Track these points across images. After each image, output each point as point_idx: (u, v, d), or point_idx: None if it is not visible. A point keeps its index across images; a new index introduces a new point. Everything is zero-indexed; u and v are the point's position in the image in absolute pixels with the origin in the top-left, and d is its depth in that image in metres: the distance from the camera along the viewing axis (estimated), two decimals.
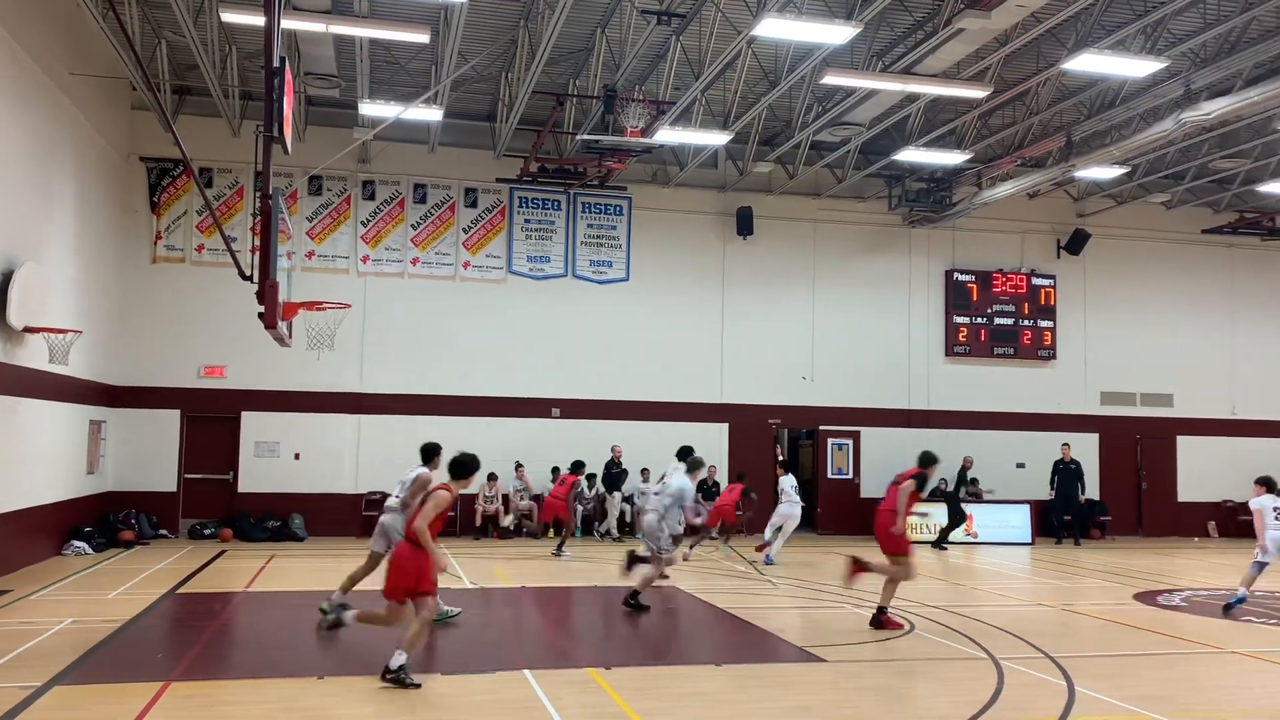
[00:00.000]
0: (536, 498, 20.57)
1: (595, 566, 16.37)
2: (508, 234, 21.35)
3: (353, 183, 20.68)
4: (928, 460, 11.28)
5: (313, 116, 19.97)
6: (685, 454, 12.66)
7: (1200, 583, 14.61)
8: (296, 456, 20.05)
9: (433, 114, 17.89)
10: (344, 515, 20.04)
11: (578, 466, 17.89)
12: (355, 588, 10.81)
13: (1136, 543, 21.89)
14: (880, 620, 10.91)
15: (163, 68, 17.36)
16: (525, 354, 21.23)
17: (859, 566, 11.20)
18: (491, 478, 20.22)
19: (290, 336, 12.33)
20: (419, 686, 7.98)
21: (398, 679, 8.01)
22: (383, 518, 11.07)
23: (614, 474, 20.64)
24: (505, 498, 20.45)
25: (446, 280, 21.03)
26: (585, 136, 18.13)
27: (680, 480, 12.15)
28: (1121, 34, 14.62)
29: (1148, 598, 13.66)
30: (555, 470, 20.68)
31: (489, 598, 13.23)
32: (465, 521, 20.27)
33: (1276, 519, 12.71)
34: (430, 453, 10.89)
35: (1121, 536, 23.02)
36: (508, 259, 21.32)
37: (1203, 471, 24.02)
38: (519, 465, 20.61)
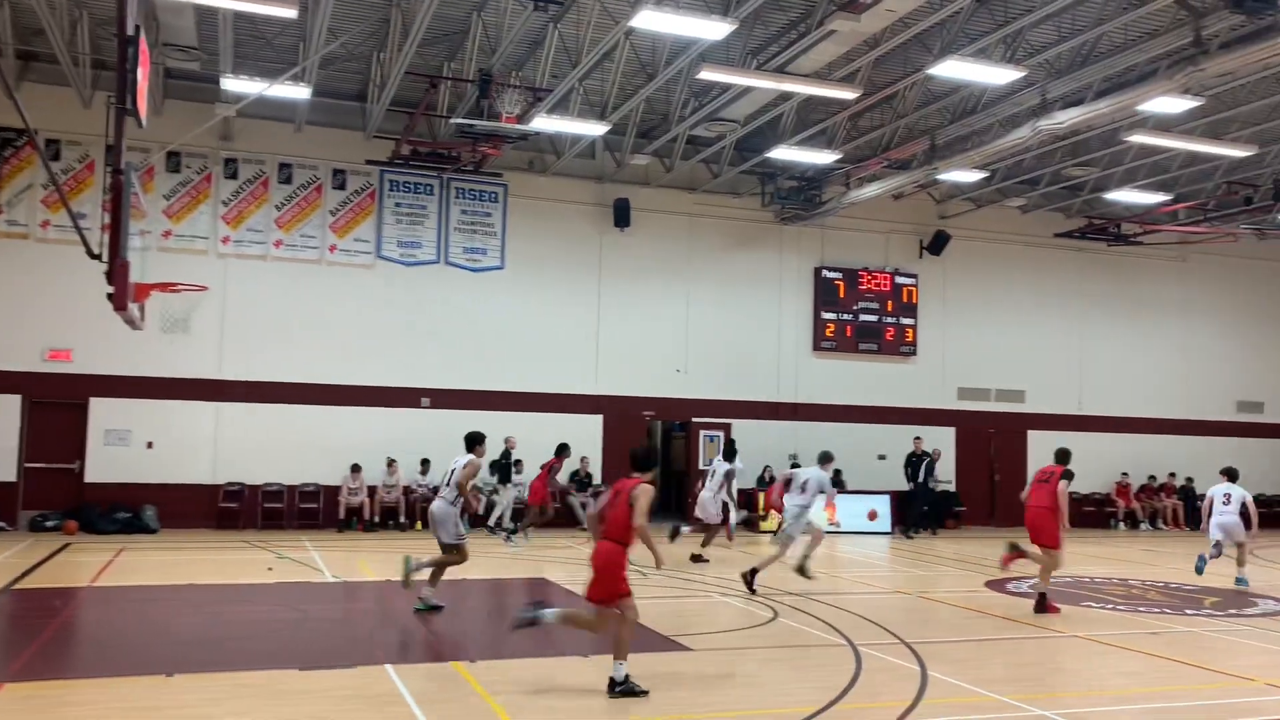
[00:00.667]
0: (406, 490, 20.18)
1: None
2: (377, 218, 20.84)
3: (214, 160, 19.84)
4: (1067, 456, 11.91)
5: (171, 90, 19.07)
6: (730, 452, 15.18)
7: (1060, 573, 15.31)
8: (149, 445, 19.17)
9: (300, 92, 17.30)
10: (200, 507, 19.27)
11: (562, 450, 18.35)
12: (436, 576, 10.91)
13: (990, 533, 22.87)
14: (1044, 606, 11.45)
15: (5, 31, 16.29)
16: (395, 342, 20.78)
17: (1016, 553, 12.13)
18: (355, 469, 19.74)
19: (143, 319, 11.74)
20: (648, 693, 7.59)
21: (628, 689, 7.54)
22: (433, 507, 11.30)
23: (506, 465, 20.25)
24: (371, 490, 19.97)
25: (312, 264, 20.40)
26: (460, 121, 17.82)
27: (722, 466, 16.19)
28: (983, 42, 15.21)
29: (998, 585, 14.27)
30: (425, 461, 20.35)
31: (352, 591, 12.91)
32: (328, 514, 19.75)
33: (1225, 504, 14.34)
34: (475, 440, 11.43)
35: (975, 527, 24.01)
36: (377, 243, 20.81)
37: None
38: (391, 461, 20.09)
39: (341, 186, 20.64)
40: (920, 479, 22.46)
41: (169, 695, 7.47)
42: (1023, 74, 15.37)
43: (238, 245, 19.92)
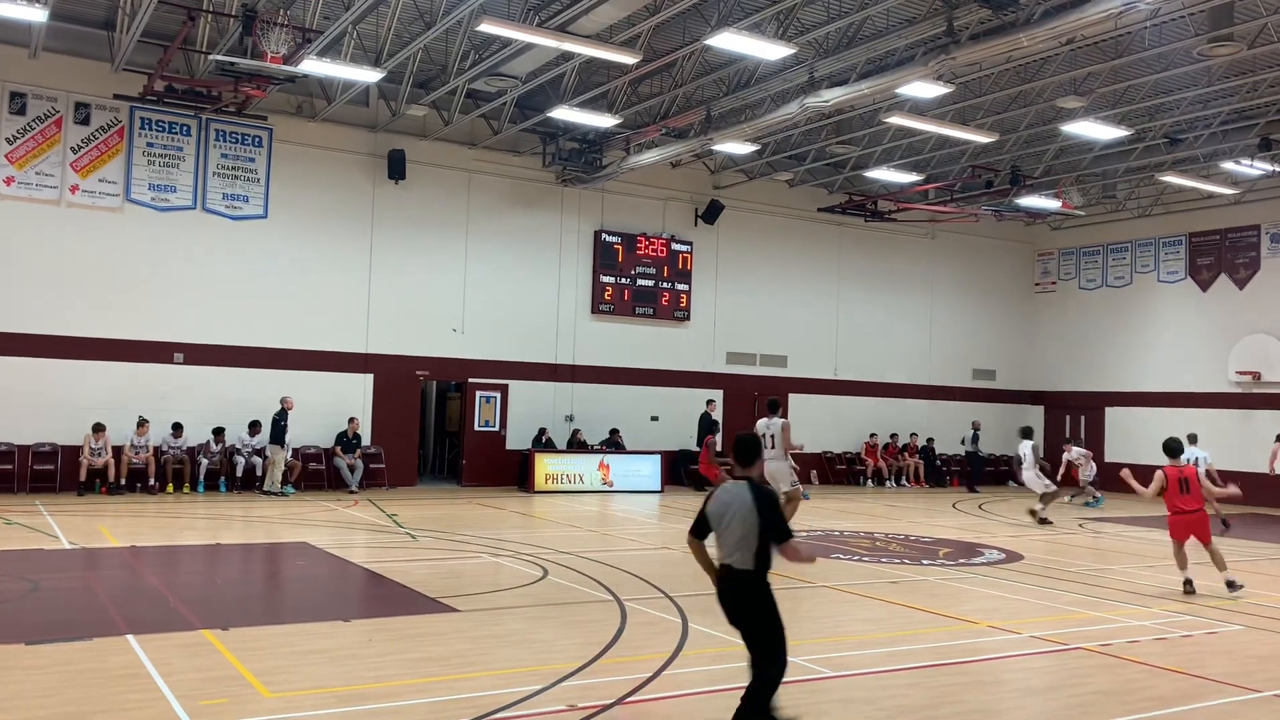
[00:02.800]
0: (157, 452, 18.89)
1: (221, 524, 15.36)
2: (126, 157, 19.21)
3: None
4: (1180, 448, 11.79)
5: None
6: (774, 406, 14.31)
7: (799, 525, 16.21)
8: None
9: (35, 14, 15.60)
10: None
11: (713, 426, 19.03)
12: None
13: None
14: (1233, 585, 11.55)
15: None
16: (145, 292, 19.32)
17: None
18: (98, 428, 18.28)
19: None
20: None
21: None
22: (771, 467, 13.15)
23: (281, 425, 19.27)
24: (117, 450, 18.58)
25: (49, 205, 18.61)
26: (220, 58, 16.62)
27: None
28: (758, 17, 15.68)
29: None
30: (178, 425, 19.08)
31: (93, 559, 11.99)
32: (67, 476, 18.23)
33: (1036, 461, 18.08)
34: (777, 405, 14.09)
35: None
36: (126, 185, 19.22)
37: (810, 425, 26.65)
38: (142, 421, 18.71)
39: (85, 121, 18.88)
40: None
41: None
42: (793, 51, 15.95)
43: None
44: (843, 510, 19.85)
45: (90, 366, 18.77)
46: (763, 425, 13.86)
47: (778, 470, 13.53)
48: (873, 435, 27.30)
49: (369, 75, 17.62)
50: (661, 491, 22.80)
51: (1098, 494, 22.59)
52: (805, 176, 26.21)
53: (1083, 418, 29.03)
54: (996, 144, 22.14)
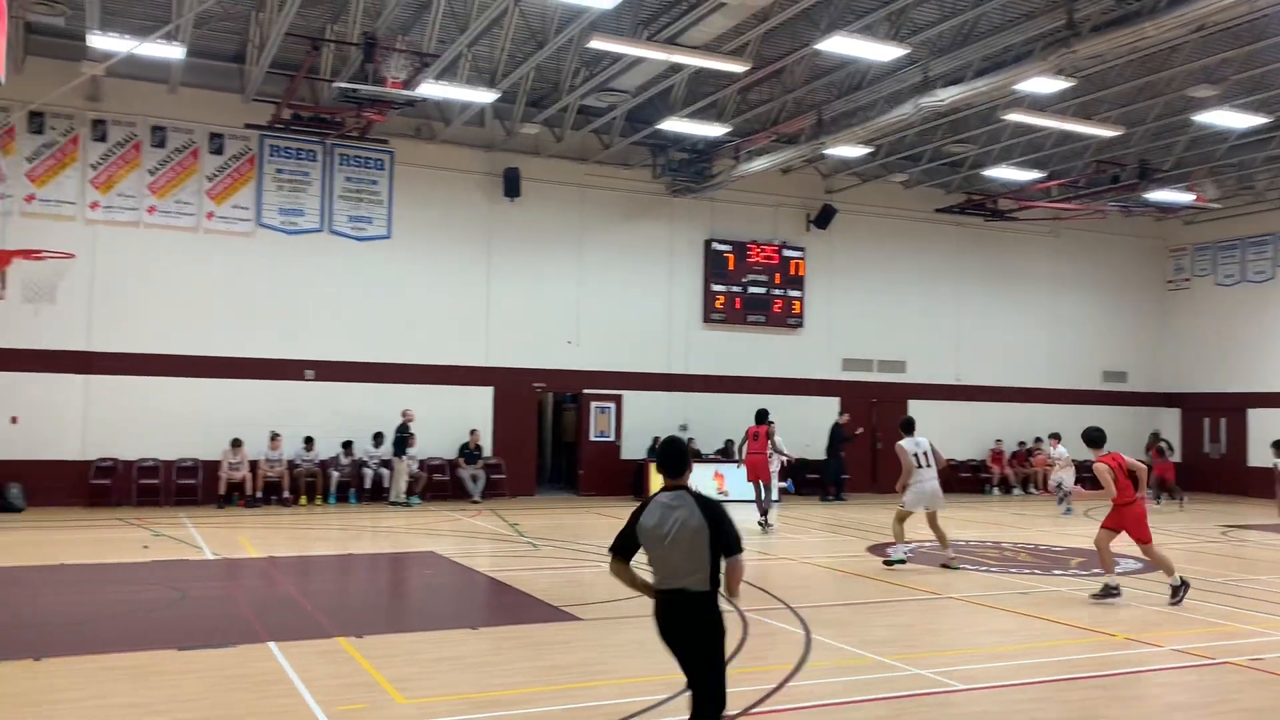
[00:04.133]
0: (290, 465, 19.70)
1: (351, 534, 15.90)
2: (257, 184, 20.12)
3: (81, 122, 18.84)
4: (1101, 438, 11.54)
5: (34, 46, 18.00)
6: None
7: (924, 536, 15.88)
8: (14, 420, 18.22)
9: (173, 51, 16.52)
10: (70, 483, 18.44)
11: (760, 417, 17.48)
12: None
13: (872, 499, 23.55)
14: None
15: None
16: (277, 312, 20.16)
17: None
18: (236, 443, 19.13)
19: (4, 288, 11.14)
20: None
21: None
22: (934, 486, 13.25)
23: (403, 437, 20.00)
24: (254, 464, 19.42)
25: (188, 231, 19.61)
26: (343, 85, 17.29)
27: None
28: (869, 19, 15.48)
29: (879, 550, 14.72)
30: (309, 439, 19.86)
31: (234, 569, 12.56)
32: (208, 489, 19.13)
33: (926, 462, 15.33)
34: (911, 424, 13.91)
35: (858, 494, 24.68)
36: (257, 211, 20.12)
37: (930, 433, 25.98)
38: (275, 435, 19.56)
39: (219, 151, 19.85)
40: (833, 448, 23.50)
41: (37, 679, 7.17)
42: (906, 52, 15.70)
43: (108, 211, 18.99)
44: (968, 519, 19.34)
45: (228, 384, 19.67)
46: (912, 444, 13.42)
47: (932, 491, 13.16)
48: (998, 441, 26.53)
49: (484, 96, 18.06)
50: (779, 501, 22.59)
51: (1071, 504, 20.84)
52: (921, 177, 25.71)
53: (1222, 420, 27.65)
54: (1122, 137, 21.31)
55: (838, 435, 23.51)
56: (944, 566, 12.96)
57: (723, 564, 5.07)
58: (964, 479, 26.10)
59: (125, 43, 15.70)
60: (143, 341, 19.10)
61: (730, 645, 8.42)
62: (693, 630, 5.09)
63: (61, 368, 18.52)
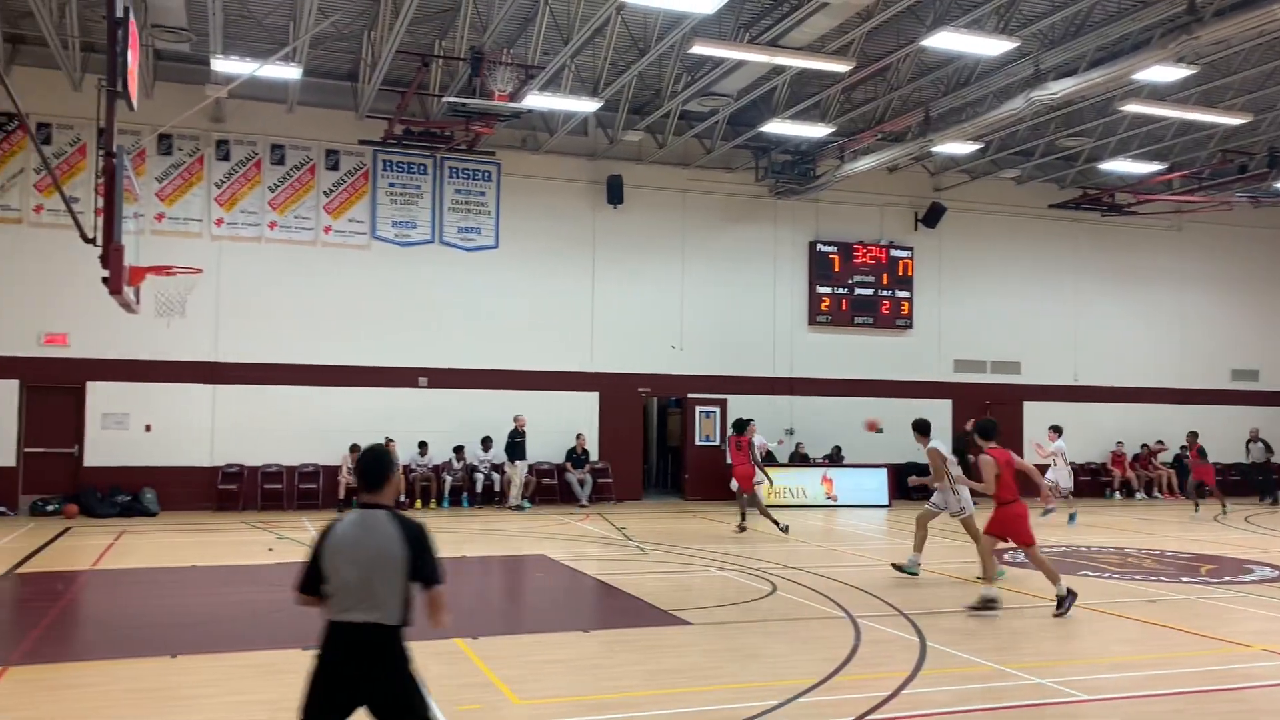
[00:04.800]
0: (405, 470, 20.24)
1: (464, 537, 16.23)
2: (371, 198, 20.77)
3: (205, 142, 19.75)
4: (993, 430, 11.25)
5: (162, 71, 18.95)
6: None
7: (1043, 540, 15.44)
8: (148, 428, 19.18)
9: (291, 72, 17.20)
10: (199, 489, 19.33)
11: (740, 426, 17.07)
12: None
13: (987, 503, 22.93)
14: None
15: None
16: (391, 322, 20.77)
17: None
18: (354, 449, 19.71)
19: (138, 303, 11.73)
20: None
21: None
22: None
23: (517, 443, 20.44)
24: None
25: (307, 245, 20.35)
26: (452, 99, 17.73)
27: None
28: (977, 13, 15.15)
29: (995, 555, 14.31)
30: (423, 444, 20.39)
31: None
32: (328, 494, 19.80)
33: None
34: (925, 426, 12.85)
35: (973, 497, 24.05)
36: (372, 224, 20.76)
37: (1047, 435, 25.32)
38: (389, 440, 20.12)
39: (335, 167, 20.56)
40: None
41: (173, 676, 7.53)
42: (1016, 45, 15.32)
43: (231, 227, 19.87)
44: (1090, 524, 18.69)
45: (345, 392, 20.33)
46: (947, 449, 12.98)
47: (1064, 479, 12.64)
48: (1119, 444, 25.59)
49: (587, 105, 18.28)
50: (889, 505, 22.25)
51: (1052, 505, 16.87)
52: (1034, 172, 25.01)
53: None
54: (1249, 125, 20.37)
55: (961, 443, 22.78)
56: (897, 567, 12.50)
57: (419, 594, 4.40)
58: (1083, 482, 25.21)
59: (246, 65, 16.42)
60: (265, 352, 19.90)
61: (842, 652, 8.39)
62: (386, 671, 4.29)
63: (191, 378, 19.43)
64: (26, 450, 18.65)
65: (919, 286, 24.87)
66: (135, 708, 6.74)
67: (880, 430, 16.77)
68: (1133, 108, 18.39)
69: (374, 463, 4.55)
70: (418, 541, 4.41)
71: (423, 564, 4.39)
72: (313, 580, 4.39)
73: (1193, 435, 21.52)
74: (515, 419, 20.53)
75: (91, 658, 8.26)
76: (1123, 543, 16.13)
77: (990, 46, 15.42)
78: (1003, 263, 25.65)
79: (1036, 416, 25.04)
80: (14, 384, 18.53)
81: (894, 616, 9.93)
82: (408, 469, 20.31)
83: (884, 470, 22.71)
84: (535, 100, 17.54)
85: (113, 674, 7.58)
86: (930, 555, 14.68)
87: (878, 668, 7.96)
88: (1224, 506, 21.03)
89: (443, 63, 18.08)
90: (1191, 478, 21.27)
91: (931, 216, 24.77)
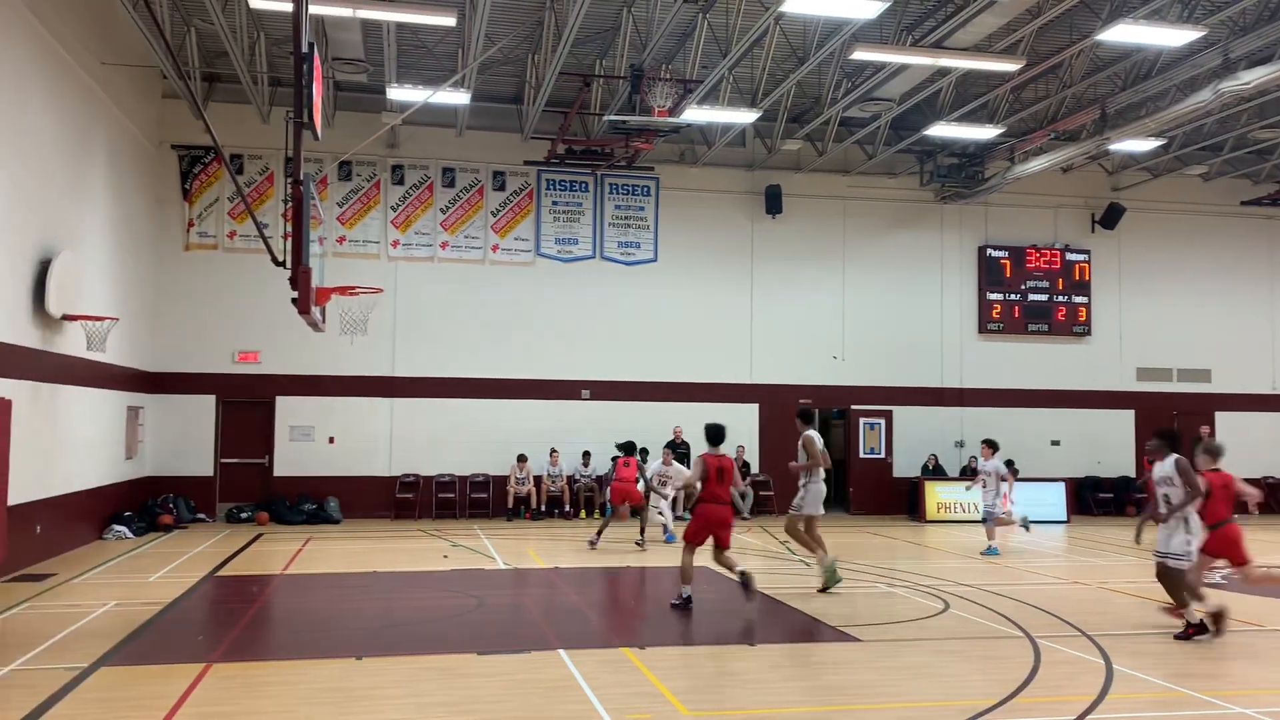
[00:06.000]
0: (570, 480, 20.70)
1: (626, 546, 16.41)
2: (536, 216, 21.37)
3: (382, 167, 20.76)
4: (720, 435, 11.20)
5: (341, 102, 20.04)
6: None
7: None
8: (331, 440, 20.24)
9: (460, 97, 17.90)
10: (379, 498, 20.24)
11: (629, 449, 16.98)
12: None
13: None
14: None
15: (192, 55, 17.46)
16: (554, 336, 21.28)
17: None
18: (521, 459, 20.32)
19: (324, 322, 12.41)
20: None
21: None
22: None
23: (678, 454, 20.61)
24: (537, 479, 20.54)
25: (476, 264, 21.09)
26: (612, 117, 18.07)
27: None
28: (1157, 3, 14.34)
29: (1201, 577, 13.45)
30: (586, 454, 20.80)
31: (523, 578, 13.30)
32: (497, 503, 20.41)
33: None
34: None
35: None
36: (536, 241, 21.35)
37: (1243, 447, 23.62)
38: (553, 451, 20.68)
39: (501, 187, 21.25)
40: None
41: (358, 678, 7.90)
42: (1202, 33, 14.41)
43: (406, 248, 20.79)
44: None
45: (512, 404, 20.94)
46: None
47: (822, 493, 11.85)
48: None
49: (746, 116, 18.27)
50: (1068, 521, 21.23)
51: (992, 531, 16.13)
52: (1223, 168, 23.47)
53: None
54: None
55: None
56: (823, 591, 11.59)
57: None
58: None
59: (419, 93, 17.18)
60: (437, 366, 20.71)
61: (1021, 672, 8.05)
62: None
63: (371, 392, 20.41)
64: (222, 461, 19.99)
65: (1097, 291, 23.70)
66: (325, 706, 7.10)
67: None
68: None
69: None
70: None
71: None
72: None
73: (1199, 439, 19.89)
74: (674, 431, 20.63)
75: (284, 657, 8.75)
76: None
77: (1173, 37, 14.58)
78: (1189, 264, 24.16)
79: (1231, 426, 23.49)
80: (211, 399, 19.90)
81: (1076, 637, 9.46)
82: (571, 479, 20.72)
83: (1062, 484, 21.71)
84: (694, 114, 17.65)
85: (304, 673, 8.02)
86: (1115, 574, 13.92)
87: (1060, 690, 7.60)
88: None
89: (603, 81, 18.44)
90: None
91: (1110, 217, 23.57)
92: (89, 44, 15.26)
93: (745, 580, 10.44)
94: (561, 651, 8.66)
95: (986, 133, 19.60)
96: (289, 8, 11.54)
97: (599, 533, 16.31)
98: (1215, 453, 10.12)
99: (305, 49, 10.03)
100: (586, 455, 20.80)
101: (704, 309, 22.01)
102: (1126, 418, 23.37)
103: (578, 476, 20.78)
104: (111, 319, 15.20)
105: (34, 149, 13.23)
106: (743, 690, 7.65)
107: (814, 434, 12.23)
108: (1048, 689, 7.66)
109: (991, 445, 16.32)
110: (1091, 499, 22.50)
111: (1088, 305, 23.61)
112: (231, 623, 10.19)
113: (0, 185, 12.18)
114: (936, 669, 8.36)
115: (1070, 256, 23.59)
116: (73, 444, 14.84)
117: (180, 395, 19.64)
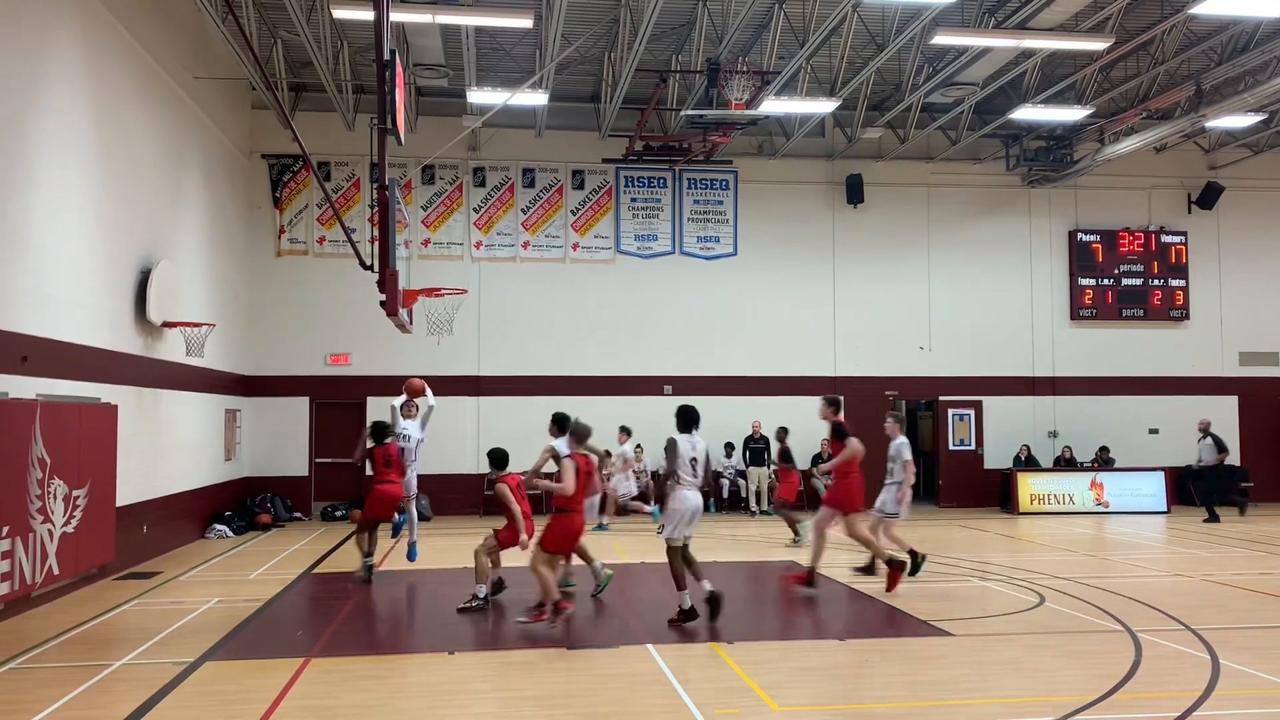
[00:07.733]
0: (654, 475, 20.72)
1: (714, 541, 16.39)
2: (615, 214, 21.46)
3: (464, 170, 21.06)
4: (386, 430, 11.12)
5: (423, 107, 20.39)
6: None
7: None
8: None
9: (538, 98, 18.06)
10: (467, 495, 20.56)
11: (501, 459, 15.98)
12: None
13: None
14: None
15: (279, 67, 17.95)
16: (636, 332, 21.35)
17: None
18: (606, 455, 20.37)
19: (411, 323, 12.65)
20: None
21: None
22: None
23: (756, 448, 20.63)
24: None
25: (557, 262, 21.27)
26: (689, 112, 18.02)
27: None
28: None
29: None
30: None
31: (616, 572, 13.35)
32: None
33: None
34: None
35: (1266, 504, 21.90)
36: (616, 239, 21.44)
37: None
38: (639, 447, 20.70)
39: (580, 186, 21.39)
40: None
41: (450, 672, 8.05)
42: None
43: (489, 249, 21.07)
44: None
45: (594, 401, 21.02)
46: (687, 444, 11.21)
47: (696, 508, 10.57)
48: None
49: (824, 106, 18.07)
50: (1168, 512, 20.57)
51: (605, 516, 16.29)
52: None
53: None
54: None
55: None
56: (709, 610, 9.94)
57: None
58: None
59: (498, 95, 17.40)
60: (521, 365, 20.95)
61: (1121, 668, 7.82)
62: None
63: (458, 391, 20.73)
64: (317, 461, 20.52)
65: (1195, 274, 22.89)
66: (418, 700, 7.25)
67: None
68: None
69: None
70: None
71: None
72: None
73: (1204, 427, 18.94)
74: (753, 425, 20.57)
75: (379, 652, 8.96)
76: None
77: (1272, 7, 13.98)
78: None
79: None
80: (305, 401, 20.44)
81: (1179, 631, 9.17)
82: (655, 474, 20.73)
83: (1160, 474, 21.03)
84: (772, 105, 17.52)
85: (397, 668, 8.20)
86: (1220, 565, 13.46)
87: (1163, 686, 7.38)
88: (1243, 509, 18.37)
89: (680, 76, 18.42)
90: None
91: (1207, 197, 22.74)
92: (182, 60, 15.80)
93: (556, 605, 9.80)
94: (650, 646, 8.70)
95: (1075, 114, 19.07)
96: (371, 16, 11.79)
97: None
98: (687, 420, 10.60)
99: (387, 56, 10.25)
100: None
101: (785, 302, 21.85)
102: (1230, 403, 22.52)
103: (661, 472, 20.80)
104: (209, 325, 15.72)
105: (134, 163, 13.76)
106: (832, 685, 7.59)
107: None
108: (1150, 685, 7.44)
109: (626, 430, 17.64)
110: (1192, 488, 21.70)
111: (1185, 288, 22.81)
112: (328, 618, 10.46)
113: (104, 199, 12.69)
114: (1031, 663, 8.18)
115: (1165, 239, 22.82)
116: (175, 446, 15.40)
117: (275, 398, 20.22)
